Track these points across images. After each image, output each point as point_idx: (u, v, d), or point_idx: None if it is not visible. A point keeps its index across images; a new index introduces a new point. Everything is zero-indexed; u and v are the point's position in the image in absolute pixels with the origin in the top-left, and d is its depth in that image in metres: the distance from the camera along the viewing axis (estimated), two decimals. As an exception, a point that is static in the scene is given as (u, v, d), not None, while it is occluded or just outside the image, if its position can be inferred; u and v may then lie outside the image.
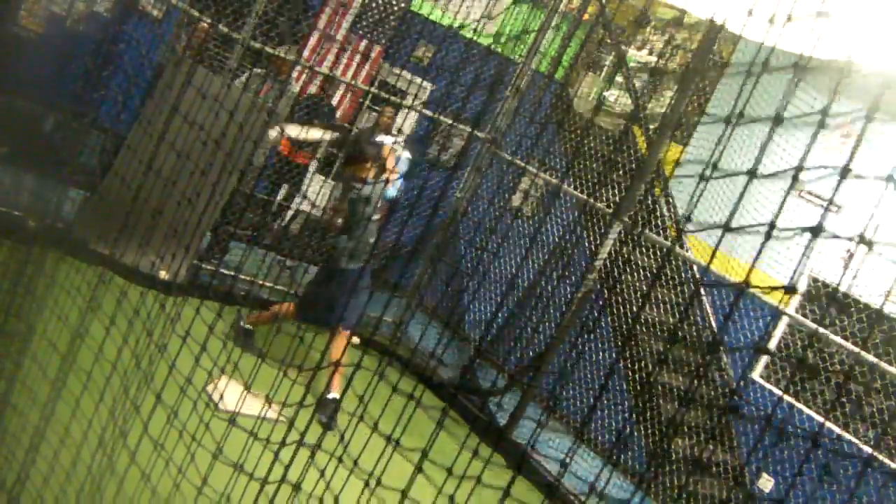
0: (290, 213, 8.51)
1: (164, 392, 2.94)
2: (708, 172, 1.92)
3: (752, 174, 1.66)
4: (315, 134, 7.05)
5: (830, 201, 1.49)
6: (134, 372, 3.04)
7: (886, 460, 5.84)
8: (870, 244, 1.41)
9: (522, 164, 7.23)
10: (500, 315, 7.99)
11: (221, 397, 3.37)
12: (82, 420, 3.10)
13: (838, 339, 5.14)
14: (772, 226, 1.51)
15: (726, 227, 1.61)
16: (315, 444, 2.48)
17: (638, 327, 7.34)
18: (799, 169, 1.55)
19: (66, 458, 3.10)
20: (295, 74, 7.73)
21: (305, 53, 8.05)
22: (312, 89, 8.37)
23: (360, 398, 2.27)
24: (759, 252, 1.55)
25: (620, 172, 7.76)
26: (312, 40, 8.08)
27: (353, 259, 5.71)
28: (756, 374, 7.28)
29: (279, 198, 8.35)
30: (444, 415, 2.20)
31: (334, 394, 5.50)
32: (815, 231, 1.45)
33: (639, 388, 7.10)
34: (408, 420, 2.23)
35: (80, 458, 3.06)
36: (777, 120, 1.59)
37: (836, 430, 6.35)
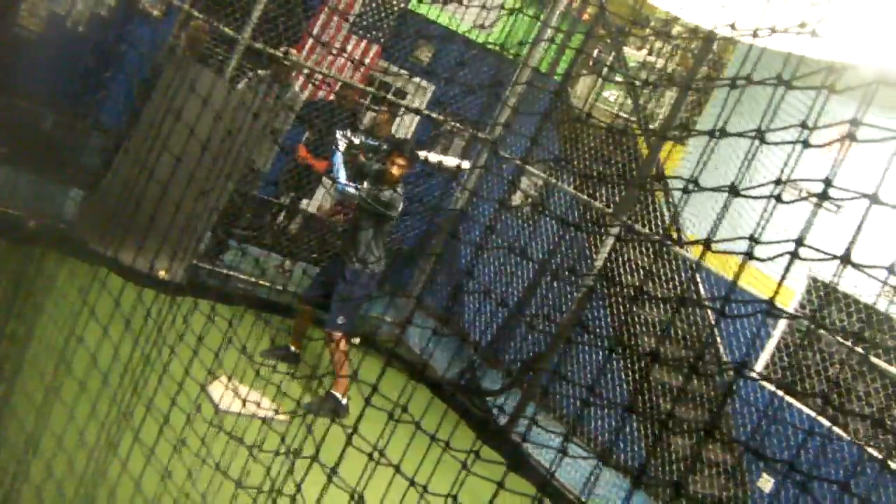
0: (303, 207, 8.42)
1: (159, 396, 2.94)
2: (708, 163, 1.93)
3: (734, 189, 1.67)
4: (450, 161, 7.06)
5: (825, 197, 1.49)
6: (132, 375, 3.04)
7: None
8: (852, 263, 1.42)
9: (522, 164, 7.24)
10: (500, 315, 8.00)
11: (220, 398, 3.37)
12: (73, 426, 3.10)
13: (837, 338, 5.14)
14: (752, 238, 1.52)
15: (707, 242, 1.63)
16: (309, 455, 2.49)
17: (635, 325, 7.35)
18: (780, 182, 1.56)
19: (61, 464, 3.10)
20: (294, 74, 7.72)
21: (304, 54, 8.04)
22: (320, 93, 8.32)
23: (356, 420, 2.28)
24: (742, 265, 1.56)
25: (620, 172, 7.77)
26: (310, 42, 8.06)
27: (366, 262, 5.67)
28: (754, 374, 7.27)
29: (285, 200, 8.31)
30: (447, 444, 2.20)
31: (336, 393, 5.53)
32: (799, 243, 1.46)
33: (640, 389, 7.11)
34: (411, 437, 2.24)
35: (72, 464, 3.06)
36: (760, 136, 1.60)
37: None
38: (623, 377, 7.25)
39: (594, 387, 6.82)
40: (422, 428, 2.28)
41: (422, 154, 6.28)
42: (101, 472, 3.00)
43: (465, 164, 7.08)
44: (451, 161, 7.05)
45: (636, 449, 7.03)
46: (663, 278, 7.39)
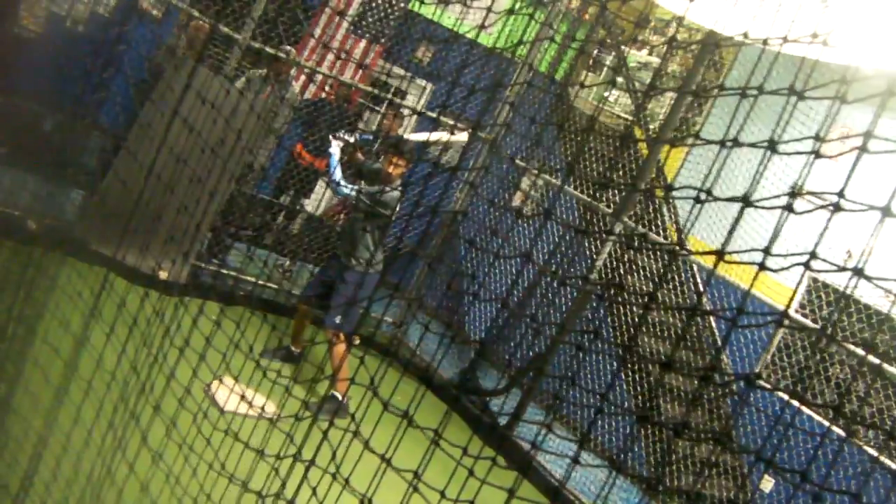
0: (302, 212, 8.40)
1: (164, 398, 2.93)
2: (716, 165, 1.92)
3: (746, 200, 1.66)
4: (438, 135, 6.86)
5: (835, 205, 1.48)
6: (134, 378, 3.03)
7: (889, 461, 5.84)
8: (866, 277, 1.41)
9: (523, 165, 7.22)
10: (500, 316, 7.99)
11: (218, 397, 3.36)
12: (83, 427, 3.09)
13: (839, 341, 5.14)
14: (766, 251, 1.51)
15: (721, 253, 1.62)
16: (309, 461, 2.47)
17: (640, 329, 7.34)
18: (794, 193, 1.55)
19: (68, 464, 3.09)
20: (294, 73, 7.71)
21: (304, 54, 8.02)
22: (317, 95, 8.30)
23: (352, 416, 2.27)
24: (756, 277, 1.56)
25: (621, 173, 7.76)
26: (311, 42, 8.05)
27: (367, 263, 5.65)
28: (763, 383, 7.27)
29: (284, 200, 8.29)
30: (438, 435, 2.19)
31: (336, 393, 5.52)
32: (811, 257, 1.45)
33: (641, 390, 7.10)
34: (404, 431, 2.22)
35: (80, 465, 3.05)
36: (772, 145, 1.59)
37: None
38: (623, 377, 7.24)
39: (602, 391, 6.82)
40: (411, 418, 2.27)
41: (408, 137, 6.19)
42: (105, 475, 2.99)
43: (456, 138, 6.81)
44: (438, 135, 6.85)
45: (637, 450, 7.02)
46: (664, 278, 7.38)
